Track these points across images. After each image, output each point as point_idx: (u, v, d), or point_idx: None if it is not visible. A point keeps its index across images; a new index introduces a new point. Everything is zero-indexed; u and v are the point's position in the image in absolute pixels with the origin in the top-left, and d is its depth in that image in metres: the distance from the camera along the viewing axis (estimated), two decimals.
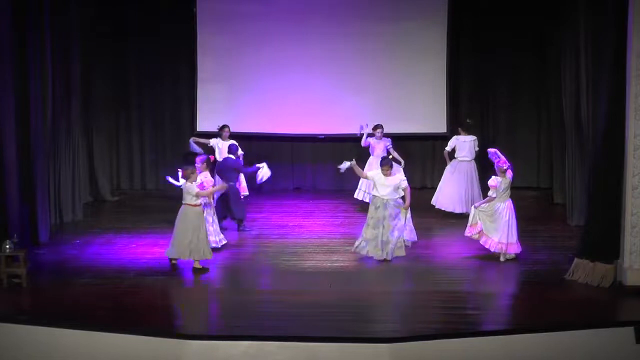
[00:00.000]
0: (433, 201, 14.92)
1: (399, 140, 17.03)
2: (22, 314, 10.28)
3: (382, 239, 12.04)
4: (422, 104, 16.61)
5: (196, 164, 12.29)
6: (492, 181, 12.18)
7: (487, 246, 12.19)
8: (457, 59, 16.77)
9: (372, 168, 13.99)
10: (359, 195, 15.14)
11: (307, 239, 13.52)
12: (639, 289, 10.71)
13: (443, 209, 14.80)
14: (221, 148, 14.47)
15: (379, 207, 12.11)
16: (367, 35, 16.53)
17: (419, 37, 16.51)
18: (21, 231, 12.00)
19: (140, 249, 12.87)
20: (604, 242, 11.06)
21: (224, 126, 14.71)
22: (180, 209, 11.73)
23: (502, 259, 12.16)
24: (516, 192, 16.16)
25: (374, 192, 12.24)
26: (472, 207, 12.54)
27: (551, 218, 14.76)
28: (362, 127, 15.27)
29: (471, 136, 14.87)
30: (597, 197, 11.22)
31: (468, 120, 15.14)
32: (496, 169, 12.20)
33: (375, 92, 16.65)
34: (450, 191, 14.75)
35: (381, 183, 12.14)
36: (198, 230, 11.64)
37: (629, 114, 10.72)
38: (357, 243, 12.31)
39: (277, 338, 9.47)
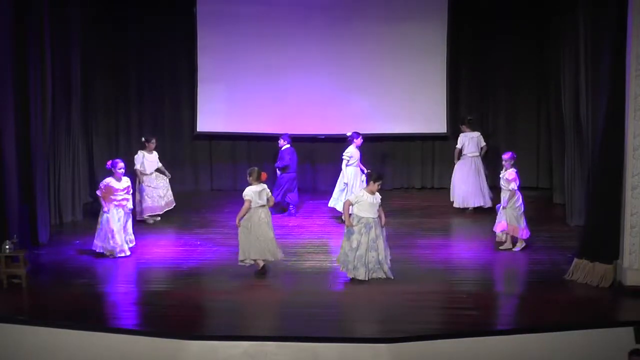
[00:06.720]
0: (453, 198, 15.37)
1: (399, 141, 17.08)
2: (22, 314, 10.28)
3: (380, 258, 11.25)
4: (422, 104, 16.60)
5: None
6: (511, 175, 12.51)
7: (520, 235, 12.58)
8: (457, 60, 16.77)
9: None
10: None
11: (307, 239, 13.52)
12: (638, 289, 10.69)
13: (462, 206, 15.20)
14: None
15: (371, 227, 11.13)
16: (367, 35, 16.53)
17: (419, 38, 16.51)
18: (21, 231, 12.01)
19: (140, 249, 12.86)
20: (604, 242, 11.04)
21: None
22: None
23: (519, 247, 12.60)
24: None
25: (362, 214, 11.13)
26: (501, 208, 12.68)
27: (551, 218, 14.74)
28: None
29: (475, 132, 15.33)
30: (597, 197, 11.22)
31: (469, 118, 15.52)
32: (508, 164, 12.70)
33: (375, 92, 16.64)
34: (465, 188, 15.20)
35: (370, 202, 11.16)
36: None
37: (629, 114, 10.70)
38: (349, 267, 11.25)
39: (277, 338, 9.48)
